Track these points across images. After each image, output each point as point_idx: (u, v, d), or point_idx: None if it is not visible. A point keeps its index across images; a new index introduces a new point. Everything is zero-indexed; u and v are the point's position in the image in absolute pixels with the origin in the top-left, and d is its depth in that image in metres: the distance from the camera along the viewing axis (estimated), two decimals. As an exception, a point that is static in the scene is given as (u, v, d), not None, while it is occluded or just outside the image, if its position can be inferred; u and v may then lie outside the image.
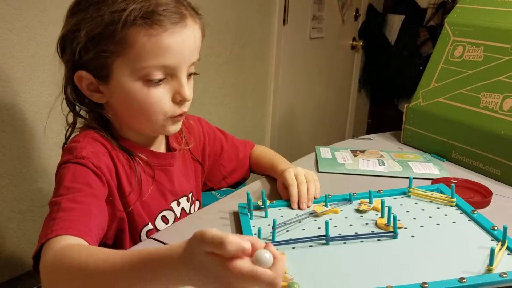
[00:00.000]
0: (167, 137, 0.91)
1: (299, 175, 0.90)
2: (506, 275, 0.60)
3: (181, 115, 0.79)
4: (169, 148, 0.91)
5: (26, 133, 1.18)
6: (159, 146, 0.88)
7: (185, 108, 0.79)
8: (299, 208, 0.86)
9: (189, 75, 0.79)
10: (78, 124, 0.82)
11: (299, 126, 2.60)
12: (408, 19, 2.86)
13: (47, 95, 1.19)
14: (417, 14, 2.88)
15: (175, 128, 0.81)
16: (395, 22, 2.90)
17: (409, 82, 2.54)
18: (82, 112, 0.80)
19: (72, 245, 0.60)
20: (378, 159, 1.15)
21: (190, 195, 0.92)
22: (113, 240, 0.81)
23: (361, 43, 2.87)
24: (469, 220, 0.77)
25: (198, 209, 0.96)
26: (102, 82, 0.75)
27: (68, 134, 0.82)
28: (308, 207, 0.86)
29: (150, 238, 0.80)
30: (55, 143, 1.23)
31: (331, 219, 0.80)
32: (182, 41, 0.73)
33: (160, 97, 0.75)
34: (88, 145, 0.75)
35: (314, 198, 0.88)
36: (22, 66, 1.13)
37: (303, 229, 0.78)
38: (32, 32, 1.13)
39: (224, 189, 1.44)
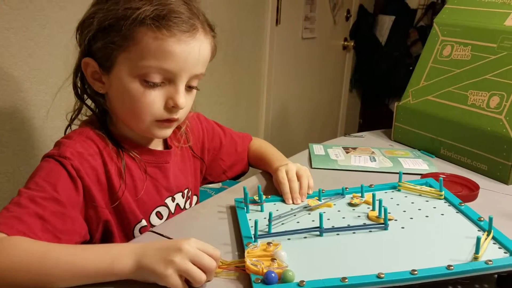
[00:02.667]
0: None
1: (290, 171, 0.92)
2: (491, 263, 0.63)
3: (168, 121, 0.80)
4: (166, 145, 0.92)
5: (24, 131, 1.19)
6: (157, 144, 0.90)
7: (176, 115, 0.79)
8: (293, 203, 0.89)
9: (190, 87, 0.81)
10: (81, 115, 0.84)
11: (292, 125, 2.63)
12: (398, 20, 2.91)
13: (45, 94, 1.20)
14: (407, 15, 2.93)
15: (163, 133, 0.82)
16: (386, 22, 2.94)
17: (399, 82, 2.58)
18: (88, 101, 0.82)
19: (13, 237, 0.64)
20: (369, 155, 1.18)
21: (185, 191, 0.94)
22: (100, 241, 0.81)
23: (352, 44, 2.91)
24: (456, 212, 0.80)
25: (196, 204, 0.99)
26: (105, 73, 0.77)
27: (72, 117, 0.84)
28: (302, 201, 0.88)
29: (150, 231, 0.82)
30: (53, 141, 1.24)
31: (324, 212, 0.83)
32: (187, 51, 0.75)
33: (154, 99, 0.76)
34: (78, 144, 0.76)
35: (307, 193, 0.90)
36: (20, 65, 1.15)
37: (298, 222, 0.80)
38: (29, 31, 1.15)
39: (218, 186, 1.46)
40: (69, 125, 0.85)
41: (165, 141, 0.93)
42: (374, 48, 2.95)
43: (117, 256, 0.62)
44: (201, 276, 0.61)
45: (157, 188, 0.87)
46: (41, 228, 0.67)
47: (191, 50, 0.75)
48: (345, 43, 2.91)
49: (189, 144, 0.96)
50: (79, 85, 0.81)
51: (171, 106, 0.78)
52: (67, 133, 0.83)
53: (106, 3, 0.74)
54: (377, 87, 3.08)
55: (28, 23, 1.14)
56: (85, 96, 0.82)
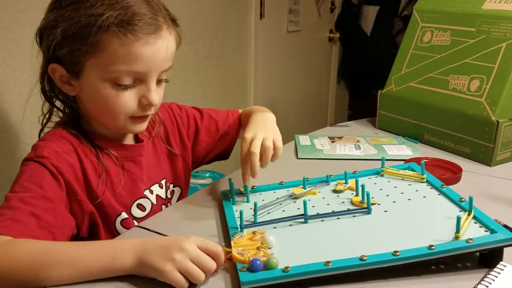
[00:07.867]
0: None
1: (255, 140, 0.87)
2: (472, 241, 0.64)
3: (142, 117, 0.82)
4: (137, 138, 0.93)
5: (9, 134, 1.19)
6: (129, 138, 0.91)
7: (149, 112, 0.81)
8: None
9: (160, 81, 0.82)
10: (53, 117, 0.85)
11: (280, 118, 2.61)
12: (382, 10, 2.91)
13: (29, 95, 1.20)
14: (391, 4, 2.93)
15: (138, 128, 0.83)
16: (370, 13, 2.95)
17: (386, 71, 2.59)
18: (57, 103, 0.83)
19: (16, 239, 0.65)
20: (354, 143, 1.19)
21: (163, 182, 0.95)
22: (88, 234, 0.83)
23: (338, 35, 2.92)
24: (438, 194, 0.81)
25: (180, 194, 0.99)
26: (74, 77, 0.78)
27: (43, 123, 0.85)
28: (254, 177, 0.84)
29: (138, 226, 0.83)
30: (29, 145, 1.24)
31: (309, 199, 0.84)
32: (155, 51, 0.75)
33: (127, 99, 0.78)
34: (53, 143, 0.78)
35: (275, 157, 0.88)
36: (2, 68, 1.14)
37: (283, 210, 0.81)
38: (10, 33, 1.15)
39: (208, 182, 1.46)
40: (42, 129, 0.86)
41: (136, 135, 0.93)
42: (359, 39, 2.96)
43: (118, 252, 0.63)
44: (201, 275, 0.63)
45: (134, 181, 0.88)
46: (36, 225, 0.69)
47: (158, 50, 0.76)
48: (331, 35, 2.91)
49: (160, 133, 0.96)
50: (47, 89, 0.82)
51: (145, 104, 0.79)
52: (41, 135, 0.84)
53: (65, 9, 0.73)
54: (364, 77, 3.09)
55: (8, 25, 1.14)
56: (53, 99, 0.83)
